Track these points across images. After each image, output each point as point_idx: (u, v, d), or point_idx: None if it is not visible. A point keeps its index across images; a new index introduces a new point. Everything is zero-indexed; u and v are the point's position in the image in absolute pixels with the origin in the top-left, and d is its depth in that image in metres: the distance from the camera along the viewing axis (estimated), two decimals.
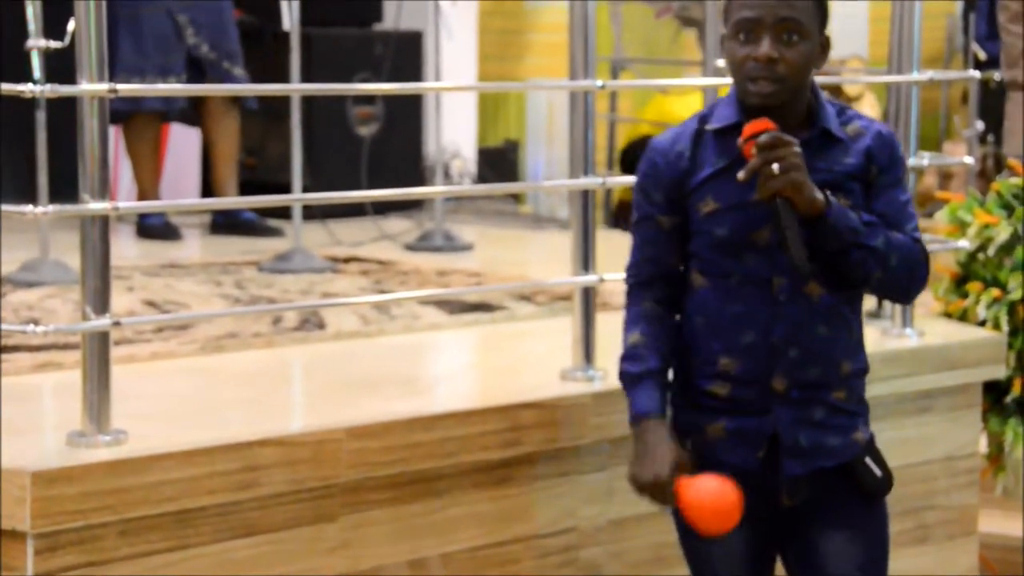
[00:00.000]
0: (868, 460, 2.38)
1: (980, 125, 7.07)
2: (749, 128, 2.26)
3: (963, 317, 3.98)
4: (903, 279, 2.36)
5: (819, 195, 2.25)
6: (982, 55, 7.40)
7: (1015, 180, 4.08)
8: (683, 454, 2.34)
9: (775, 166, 2.21)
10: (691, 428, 2.40)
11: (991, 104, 6.73)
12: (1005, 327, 3.87)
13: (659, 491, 2.32)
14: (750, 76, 2.26)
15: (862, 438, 2.39)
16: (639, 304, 2.42)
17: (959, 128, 7.32)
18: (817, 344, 2.33)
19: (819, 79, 7.63)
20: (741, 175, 2.26)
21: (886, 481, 2.41)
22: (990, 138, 7.08)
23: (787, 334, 2.32)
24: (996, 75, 6.89)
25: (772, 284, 2.31)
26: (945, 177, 7.46)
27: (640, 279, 2.43)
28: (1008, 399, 3.92)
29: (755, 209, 2.29)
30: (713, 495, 2.26)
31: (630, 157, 7.27)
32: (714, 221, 2.32)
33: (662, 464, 2.30)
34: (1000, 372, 3.83)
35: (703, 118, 2.37)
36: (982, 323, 3.91)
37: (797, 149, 2.23)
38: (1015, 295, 3.88)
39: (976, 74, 5.13)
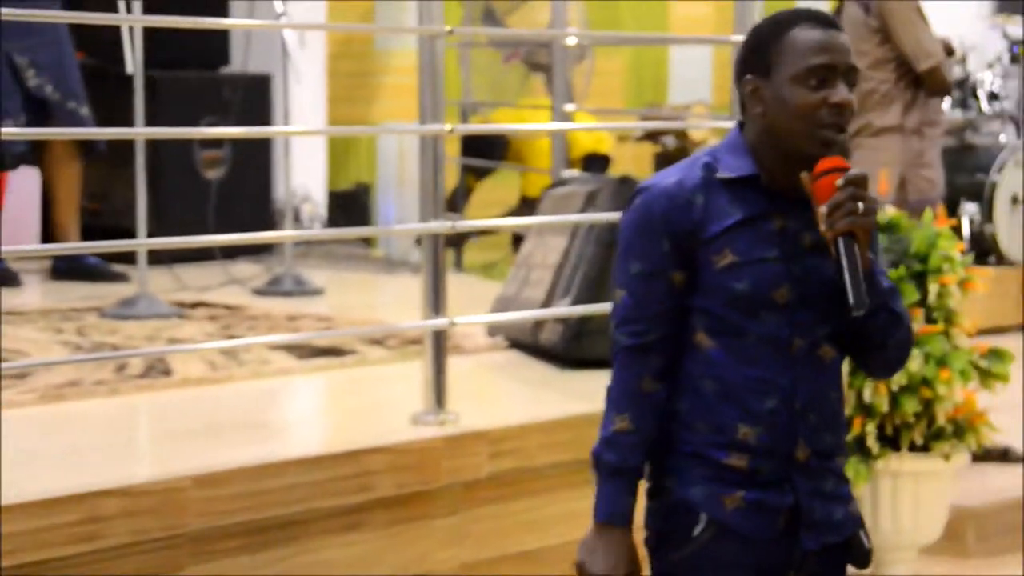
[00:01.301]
0: (861, 533, 2.26)
1: None
2: (827, 163, 2.11)
3: None
4: (903, 351, 2.25)
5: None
6: None
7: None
8: (638, 566, 2.18)
9: (860, 204, 2.08)
10: (706, 502, 2.18)
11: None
12: (844, 366, 3.96)
13: None
14: (821, 123, 2.13)
15: (856, 510, 2.27)
16: (636, 378, 2.17)
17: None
18: (829, 409, 2.21)
19: (664, 124, 7.67)
20: (823, 209, 2.09)
21: (871, 553, 2.30)
22: None
23: (808, 399, 2.18)
24: None
25: (792, 345, 2.16)
26: None
27: (642, 341, 2.17)
28: (848, 437, 4.01)
29: (776, 265, 2.16)
30: None
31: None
32: (732, 276, 2.15)
33: (619, 565, 2.15)
34: None
35: (707, 166, 2.19)
36: None
37: (874, 195, 2.15)
38: None
39: None
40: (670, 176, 2.20)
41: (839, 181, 2.10)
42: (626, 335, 2.18)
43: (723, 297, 2.15)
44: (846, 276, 2.09)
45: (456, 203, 6.66)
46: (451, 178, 6.53)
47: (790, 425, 2.16)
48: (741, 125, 2.23)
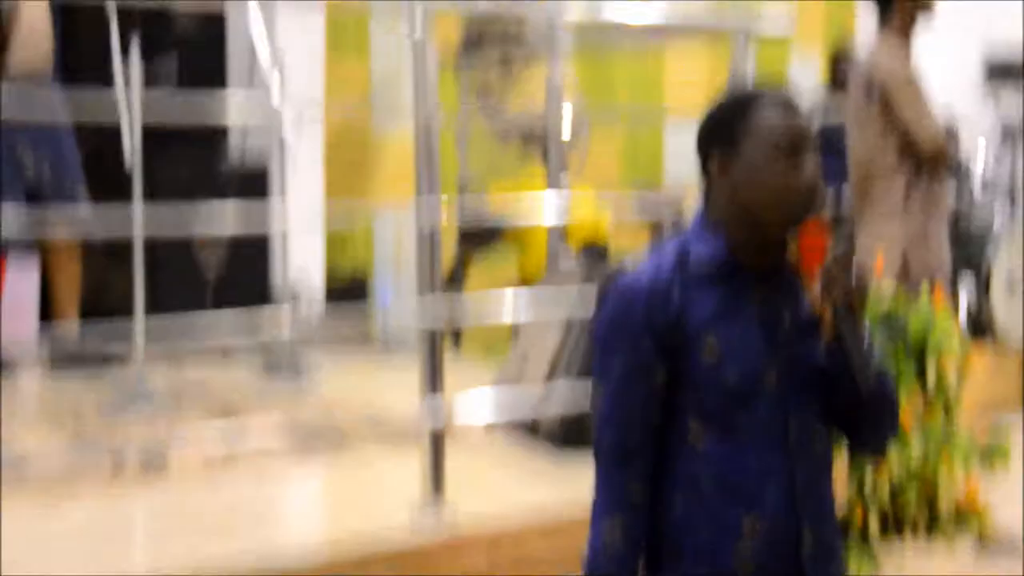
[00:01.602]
0: None
1: None
2: (810, 237, 2.09)
3: None
4: (895, 421, 2.21)
5: None
6: None
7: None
8: None
9: (853, 274, 2.07)
10: None
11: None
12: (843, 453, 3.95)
13: None
14: (792, 202, 2.09)
15: None
16: (622, 484, 2.09)
17: None
18: (826, 494, 2.17)
19: (661, 204, 7.57)
20: (819, 282, 2.07)
21: None
22: None
23: (807, 485, 2.12)
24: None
25: (788, 432, 2.11)
26: None
27: (626, 449, 2.10)
28: (851, 527, 3.98)
29: (761, 350, 2.10)
30: None
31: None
32: (721, 367, 2.08)
33: None
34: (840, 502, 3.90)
35: (680, 254, 2.14)
36: None
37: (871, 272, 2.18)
38: None
39: None
40: (644, 268, 2.13)
41: (828, 253, 2.09)
42: (609, 438, 2.12)
43: (715, 390, 2.09)
44: (851, 348, 2.07)
45: (455, 276, 6.66)
46: (448, 249, 6.53)
47: (793, 514, 2.11)
48: (704, 206, 2.18)
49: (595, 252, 7.14)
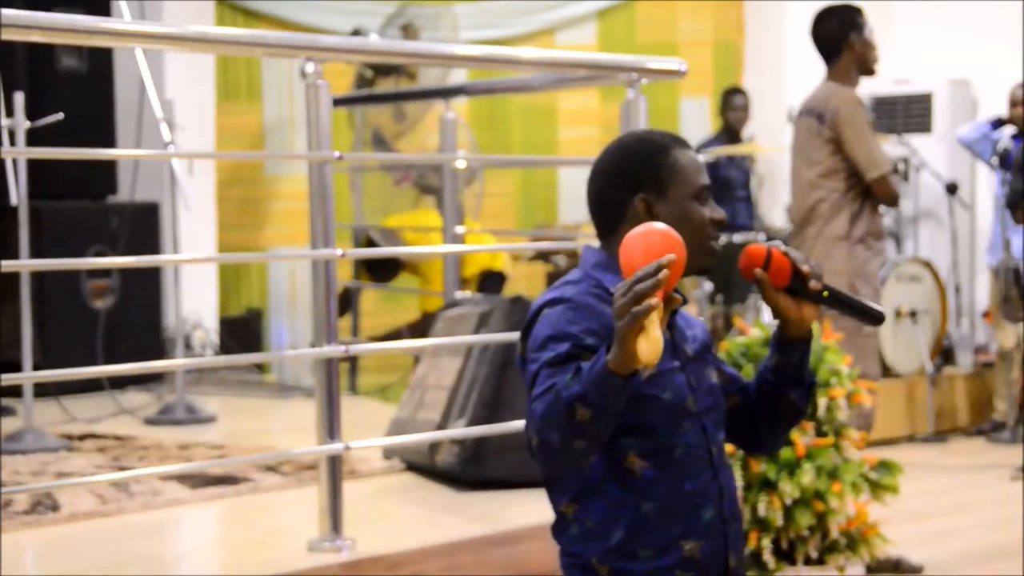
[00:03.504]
0: None
1: (708, 286, 7.38)
2: (755, 253, 2.19)
3: None
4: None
5: None
6: None
7: (743, 339, 4.26)
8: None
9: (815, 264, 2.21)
10: None
11: (719, 265, 7.05)
12: (739, 481, 4.00)
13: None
14: (710, 236, 2.23)
15: None
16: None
17: (689, 289, 7.64)
18: (741, 515, 2.25)
19: (556, 244, 7.74)
20: (806, 267, 2.18)
21: None
22: (719, 298, 7.41)
23: (731, 506, 2.22)
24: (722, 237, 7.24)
25: (711, 453, 2.20)
26: None
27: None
28: (744, 552, 4.03)
29: (680, 374, 2.19)
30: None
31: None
32: (656, 385, 2.15)
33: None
34: None
35: (596, 284, 2.16)
36: None
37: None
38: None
39: None
40: (570, 291, 2.15)
41: (787, 252, 2.20)
42: (553, 387, 1.96)
43: (652, 407, 2.15)
44: (858, 303, 2.23)
45: (349, 300, 6.62)
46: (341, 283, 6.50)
47: (723, 535, 2.19)
48: (598, 246, 2.22)
49: (492, 279, 7.16)
